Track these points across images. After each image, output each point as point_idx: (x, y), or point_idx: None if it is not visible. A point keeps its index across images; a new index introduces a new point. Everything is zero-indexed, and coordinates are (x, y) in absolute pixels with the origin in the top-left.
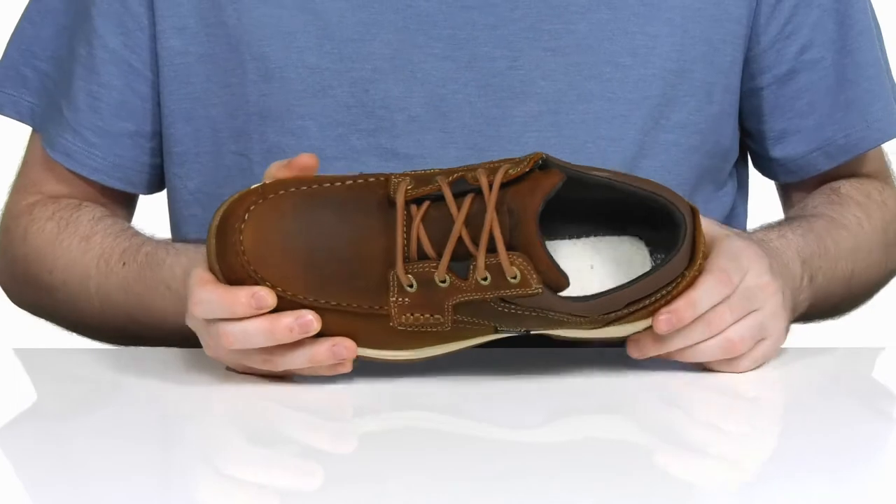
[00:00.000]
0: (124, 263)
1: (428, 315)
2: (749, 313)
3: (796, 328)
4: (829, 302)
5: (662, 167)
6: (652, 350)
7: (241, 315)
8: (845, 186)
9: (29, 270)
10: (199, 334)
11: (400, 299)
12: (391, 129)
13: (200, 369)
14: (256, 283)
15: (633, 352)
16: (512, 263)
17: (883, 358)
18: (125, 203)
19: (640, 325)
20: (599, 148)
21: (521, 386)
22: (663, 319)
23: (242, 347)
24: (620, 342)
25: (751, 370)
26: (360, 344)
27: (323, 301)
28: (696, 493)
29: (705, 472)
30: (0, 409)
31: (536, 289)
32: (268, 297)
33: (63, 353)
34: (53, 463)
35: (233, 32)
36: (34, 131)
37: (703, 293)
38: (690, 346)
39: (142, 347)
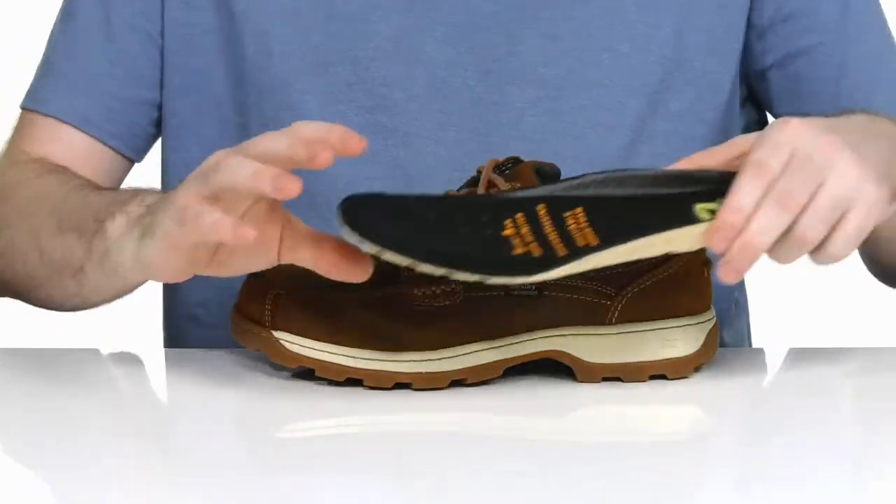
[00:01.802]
0: (81, 188)
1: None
2: (818, 188)
3: (793, 328)
4: None
5: (661, 154)
6: (745, 262)
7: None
8: None
9: None
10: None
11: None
12: (391, 107)
13: (196, 369)
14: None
15: (729, 273)
16: (511, 188)
17: (884, 358)
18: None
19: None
20: (598, 134)
21: (526, 386)
22: (715, 237)
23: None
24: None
25: (852, 249)
26: (378, 333)
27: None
28: (697, 491)
29: (707, 470)
30: None
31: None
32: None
33: (51, 353)
34: (45, 464)
35: (237, 8)
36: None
37: (740, 193)
38: (784, 245)
39: (134, 348)
